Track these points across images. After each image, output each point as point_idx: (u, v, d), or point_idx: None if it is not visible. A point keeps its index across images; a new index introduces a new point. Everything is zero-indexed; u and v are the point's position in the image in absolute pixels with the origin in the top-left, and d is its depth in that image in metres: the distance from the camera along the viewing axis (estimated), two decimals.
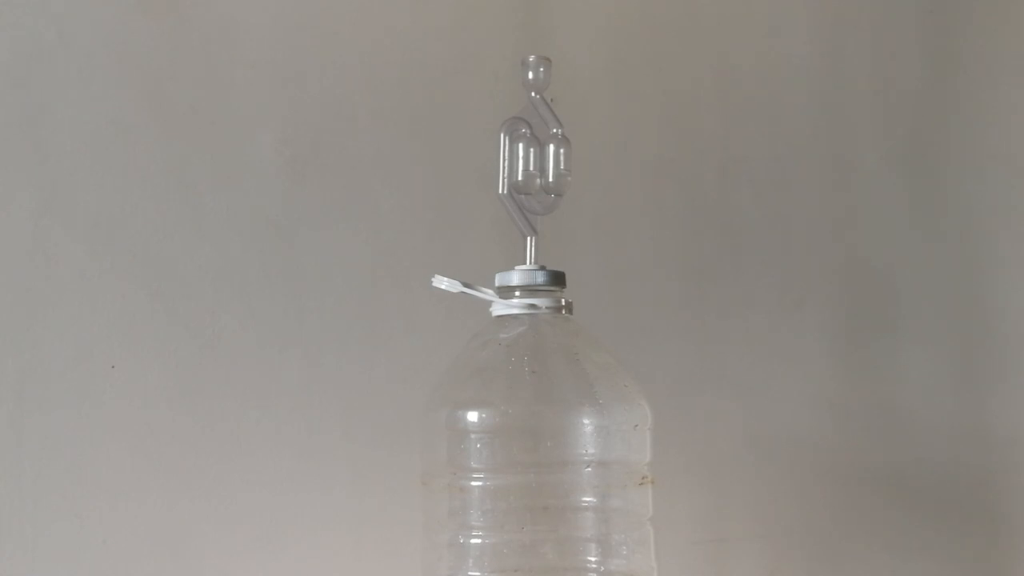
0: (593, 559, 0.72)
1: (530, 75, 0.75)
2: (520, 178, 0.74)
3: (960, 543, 1.03)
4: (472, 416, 0.71)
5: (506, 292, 0.74)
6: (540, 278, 0.73)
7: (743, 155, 1.01)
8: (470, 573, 0.70)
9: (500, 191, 0.74)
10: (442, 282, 0.74)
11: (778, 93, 1.03)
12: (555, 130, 0.74)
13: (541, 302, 0.73)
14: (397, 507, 0.84)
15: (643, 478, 0.73)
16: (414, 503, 0.75)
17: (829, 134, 1.04)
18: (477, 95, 0.92)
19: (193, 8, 0.85)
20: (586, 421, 0.71)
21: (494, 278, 0.74)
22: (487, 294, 0.74)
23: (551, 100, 0.75)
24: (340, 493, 0.85)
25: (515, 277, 0.74)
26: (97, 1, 0.82)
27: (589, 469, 0.71)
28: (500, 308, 0.74)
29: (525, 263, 0.74)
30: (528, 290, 0.73)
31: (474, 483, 0.71)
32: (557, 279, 0.74)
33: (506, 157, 0.74)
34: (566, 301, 0.74)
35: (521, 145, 0.74)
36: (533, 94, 0.75)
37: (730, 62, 1.01)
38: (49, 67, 0.81)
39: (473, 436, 0.71)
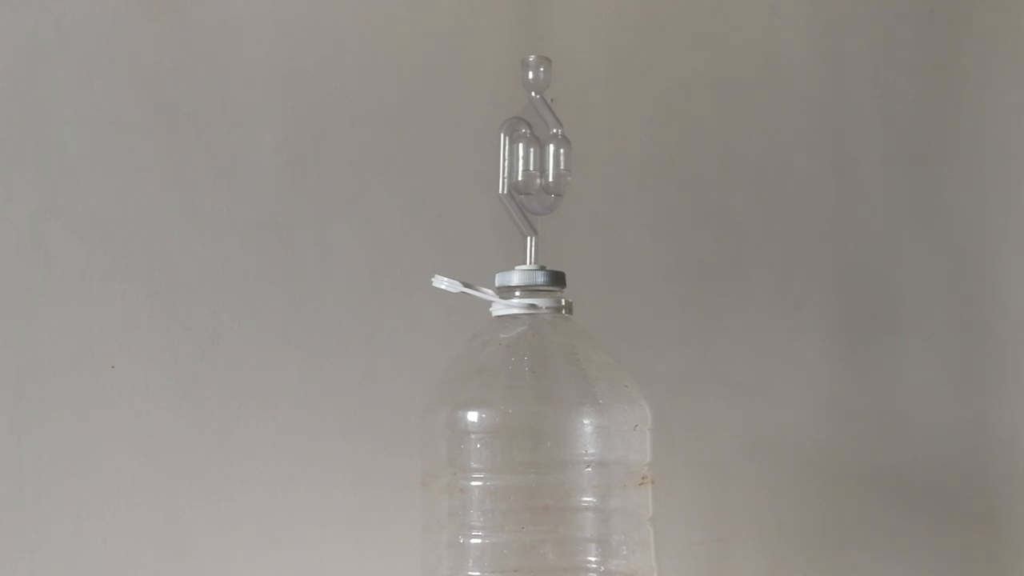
0: (593, 559, 0.72)
1: (530, 75, 0.75)
2: (520, 178, 0.74)
3: (960, 543, 1.03)
4: (472, 416, 0.71)
5: (506, 292, 0.74)
6: (540, 278, 0.73)
7: (743, 155, 1.01)
8: (470, 573, 0.70)
9: (500, 191, 0.74)
10: (442, 282, 0.74)
11: (778, 93, 1.02)
12: (555, 130, 0.74)
13: (541, 302, 0.73)
14: (397, 507, 0.84)
15: (643, 478, 0.73)
16: (414, 503, 0.75)
17: (829, 134, 1.04)
18: (477, 95, 0.92)
19: (193, 8, 0.85)
20: (586, 421, 0.71)
21: (494, 278, 0.74)
22: (487, 294, 0.74)
23: (551, 100, 0.75)
24: (340, 493, 0.85)
25: (515, 277, 0.74)
26: (97, 1, 0.82)
27: (589, 469, 0.71)
28: (500, 308, 0.74)
29: (525, 263, 0.74)
30: (528, 290, 0.73)
31: (474, 483, 0.71)
32: (557, 279, 0.74)
33: (506, 157, 0.74)
34: (566, 301, 0.74)
35: (521, 145, 0.74)
36: (533, 94, 0.75)
37: (730, 62, 1.01)
38: (49, 67, 0.81)
39: (473, 436, 0.71)
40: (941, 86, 1.07)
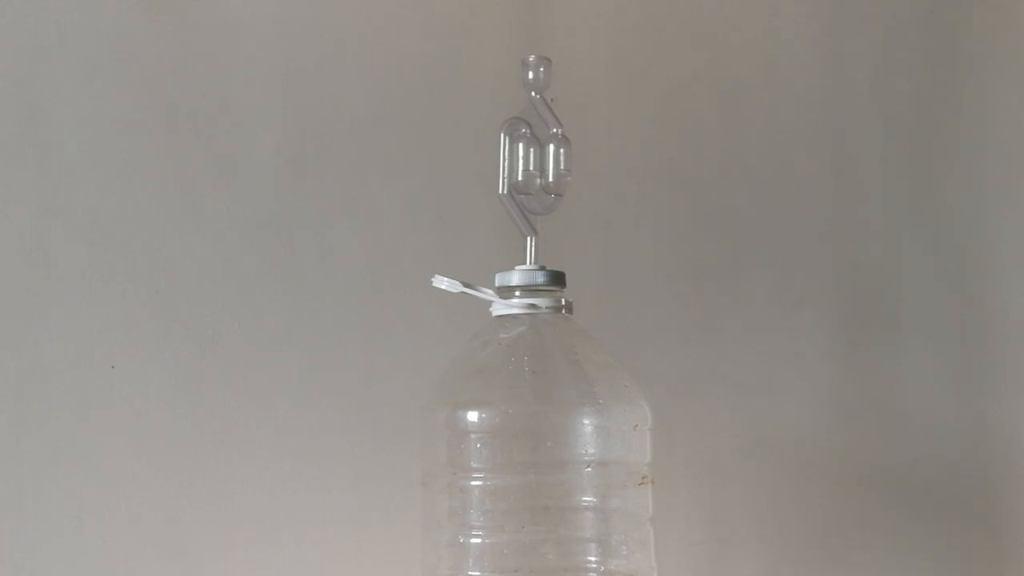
0: (593, 559, 0.72)
1: (530, 75, 0.75)
2: (520, 178, 0.74)
3: (960, 543, 1.03)
4: (472, 416, 0.71)
5: (506, 292, 0.74)
6: (540, 278, 0.73)
7: (743, 155, 1.01)
8: (470, 573, 0.70)
9: (500, 191, 0.74)
10: (442, 282, 0.74)
11: (778, 93, 1.02)
12: (555, 130, 0.74)
13: (541, 302, 0.73)
14: (397, 507, 0.84)
15: (643, 478, 0.73)
16: (414, 503, 0.75)
17: (829, 134, 1.04)
18: (477, 95, 0.92)
19: (193, 8, 0.85)
20: (586, 421, 0.71)
21: (494, 278, 0.74)
22: (487, 294, 0.74)
23: (551, 100, 0.75)
24: (340, 493, 0.85)
25: (515, 277, 0.74)
26: (97, 1, 0.82)
27: (589, 469, 0.71)
28: (500, 308, 0.74)
29: (525, 263, 0.74)
30: (528, 290, 0.73)
31: (474, 483, 0.71)
32: (557, 279, 0.74)
33: (506, 157, 0.74)
34: (566, 301, 0.74)
35: (521, 145, 0.74)
36: (533, 94, 0.75)
37: (730, 62, 1.01)
38: (49, 67, 0.81)
39: (473, 436, 0.71)
40: (941, 86, 1.07)
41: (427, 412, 0.73)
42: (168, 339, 0.82)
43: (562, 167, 0.74)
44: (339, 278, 0.87)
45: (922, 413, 1.04)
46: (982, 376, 1.06)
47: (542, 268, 0.74)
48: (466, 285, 0.73)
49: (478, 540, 0.71)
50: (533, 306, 0.73)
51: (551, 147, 0.74)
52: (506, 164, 0.74)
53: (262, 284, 0.85)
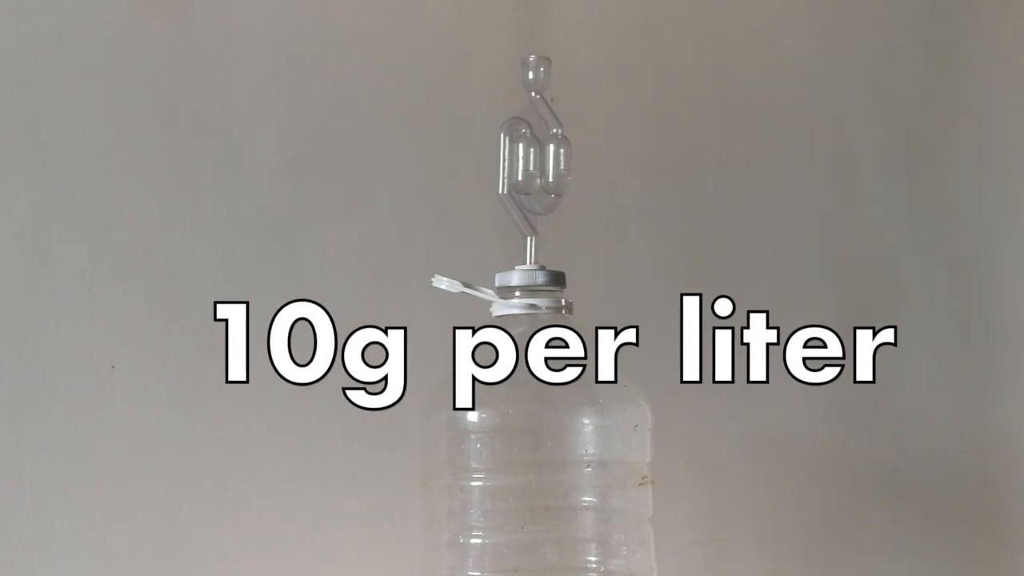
0: (593, 559, 0.72)
1: (530, 75, 0.75)
2: (520, 178, 0.74)
3: (960, 543, 1.03)
4: (472, 416, 0.71)
5: (506, 292, 0.74)
6: (540, 278, 0.73)
7: (743, 155, 1.01)
8: (470, 573, 0.70)
9: (500, 191, 0.74)
10: (442, 282, 0.74)
11: (778, 93, 1.02)
12: (555, 130, 0.74)
13: (541, 302, 0.73)
14: (397, 507, 0.84)
15: (643, 478, 0.73)
16: (414, 503, 0.75)
17: (829, 134, 1.04)
18: (477, 95, 0.92)
19: (193, 8, 0.85)
20: (586, 421, 0.71)
21: (494, 278, 0.74)
22: (487, 294, 0.74)
23: (551, 100, 0.75)
24: (340, 493, 0.85)
25: (515, 277, 0.74)
26: (97, 1, 0.82)
27: (589, 469, 0.71)
28: (500, 308, 0.74)
29: (525, 263, 0.74)
30: (528, 290, 0.73)
31: (474, 483, 0.71)
32: (557, 279, 0.74)
33: (506, 157, 0.74)
34: (566, 301, 0.74)
35: (521, 145, 0.74)
36: (533, 94, 0.75)
37: (730, 62, 1.01)
38: (49, 67, 0.81)
39: (473, 436, 0.71)
40: (941, 86, 1.07)
41: (427, 412, 0.73)
42: (168, 339, 0.82)
43: (562, 167, 0.74)
44: (339, 278, 0.87)
45: (922, 413, 1.04)
46: (982, 376, 1.06)
47: (542, 268, 0.74)
48: (466, 285, 0.74)
49: (478, 540, 0.71)
50: (533, 306, 0.73)
51: (551, 147, 0.74)
52: (506, 164, 0.74)
53: (262, 284, 0.85)
